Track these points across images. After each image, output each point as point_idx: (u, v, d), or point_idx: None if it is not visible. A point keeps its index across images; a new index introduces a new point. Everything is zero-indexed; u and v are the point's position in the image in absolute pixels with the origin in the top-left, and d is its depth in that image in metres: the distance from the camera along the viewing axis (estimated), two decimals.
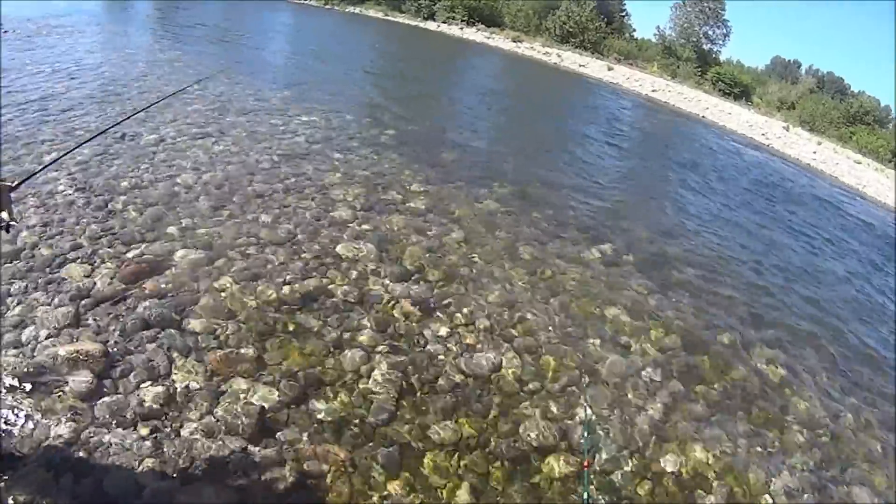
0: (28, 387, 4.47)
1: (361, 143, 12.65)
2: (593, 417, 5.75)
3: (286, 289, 6.48)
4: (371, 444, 4.85)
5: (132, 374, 4.84)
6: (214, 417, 4.66)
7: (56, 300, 5.47)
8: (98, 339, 5.11)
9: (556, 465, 5.14)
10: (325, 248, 7.52)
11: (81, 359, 4.76)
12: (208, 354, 5.26)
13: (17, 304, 5.33)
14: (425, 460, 4.86)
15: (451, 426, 5.22)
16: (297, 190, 9.11)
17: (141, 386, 4.76)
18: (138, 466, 4.08)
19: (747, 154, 28.59)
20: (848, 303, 11.47)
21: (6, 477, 3.74)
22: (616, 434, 5.71)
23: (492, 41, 48.17)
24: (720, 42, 61.67)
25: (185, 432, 4.47)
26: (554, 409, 5.80)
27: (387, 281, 7.14)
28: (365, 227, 8.34)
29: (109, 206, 7.40)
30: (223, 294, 6.15)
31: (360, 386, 5.40)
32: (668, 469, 5.52)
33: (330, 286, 6.75)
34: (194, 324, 5.61)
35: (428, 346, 6.20)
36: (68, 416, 4.31)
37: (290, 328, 5.91)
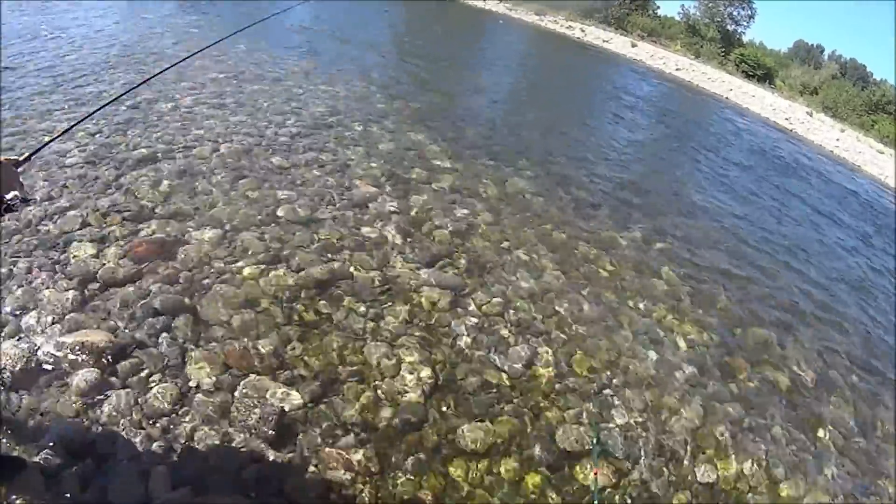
0: (29, 381, 4.09)
1: (384, 115, 12.19)
2: (599, 424, 5.42)
3: (305, 274, 6.05)
4: (397, 448, 4.50)
5: (141, 369, 4.45)
6: (230, 418, 4.28)
7: (62, 283, 5.06)
8: (105, 327, 4.72)
9: (590, 474, 4.81)
10: (347, 230, 7.09)
11: (87, 351, 4.36)
12: (224, 347, 4.86)
13: (20, 286, 4.92)
14: (454, 467, 4.53)
15: (482, 429, 4.86)
16: (318, 165, 8.65)
17: (151, 382, 4.38)
18: (147, 472, 3.69)
19: (772, 138, 28.20)
20: (883, 305, 11.10)
21: (5, 481, 3.40)
22: (651, 440, 5.41)
23: (514, 13, 47.20)
24: (745, 23, 61.12)
25: (198, 434, 4.10)
26: (590, 409, 5.48)
27: (413, 266, 6.74)
28: (389, 206, 7.91)
29: (120, 179, 6.95)
30: (240, 279, 5.72)
31: (385, 384, 5.01)
32: (704, 480, 5.27)
33: (353, 271, 6.34)
34: (209, 312, 5.20)
35: (457, 339, 5.82)
36: (72, 415, 3.94)
37: (311, 318, 5.49)
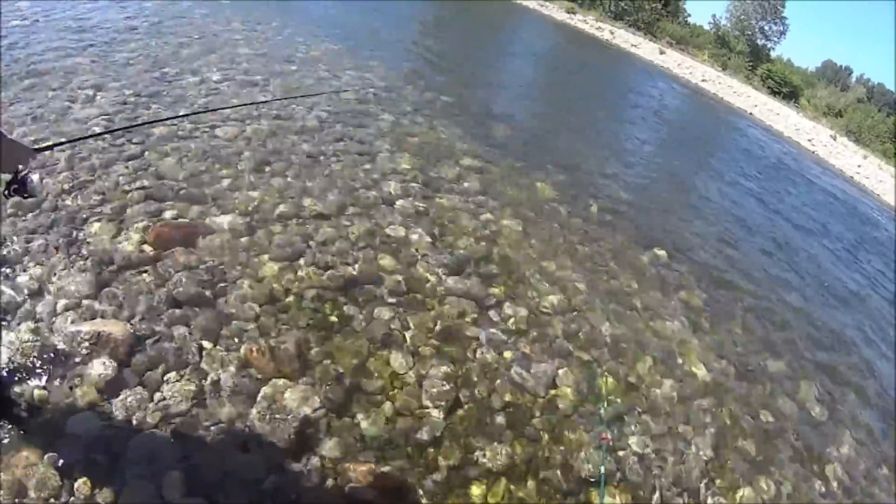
0: (42, 371, 3.89)
1: (413, 107, 11.92)
2: (608, 395, 5.68)
3: (332, 272, 5.84)
4: (417, 465, 4.31)
5: (158, 364, 4.24)
6: (248, 422, 4.08)
7: (78, 264, 4.84)
8: (122, 317, 4.49)
9: (607, 501, 4.71)
10: (374, 227, 6.86)
11: (103, 341, 4.16)
12: (244, 346, 4.64)
13: (36, 265, 4.70)
14: (475, 489, 4.34)
15: (503, 450, 4.68)
16: (346, 154, 8.42)
17: (167, 378, 4.16)
18: (161, 475, 3.50)
19: (795, 160, 27.98)
20: None
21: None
22: (668, 469, 5.31)
23: (545, 9, 46.87)
24: (775, 39, 61.00)
25: (215, 437, 3.90)
26: (612, 436, 5.30)
27: (439, 271, 6.51)
28: (417, 204, 7.67)
29: (144, 154, 6.72)
30: (263, 272, 5.50)
31: (407, 396, 4.81)
32: None
33: (378, 273, 6.11)
34: (230, 307, 4.97)
35: (480, 353, 5.61)
36: (85, 408, 3.75)
37: (334, 321, 5.27)
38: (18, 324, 4.17)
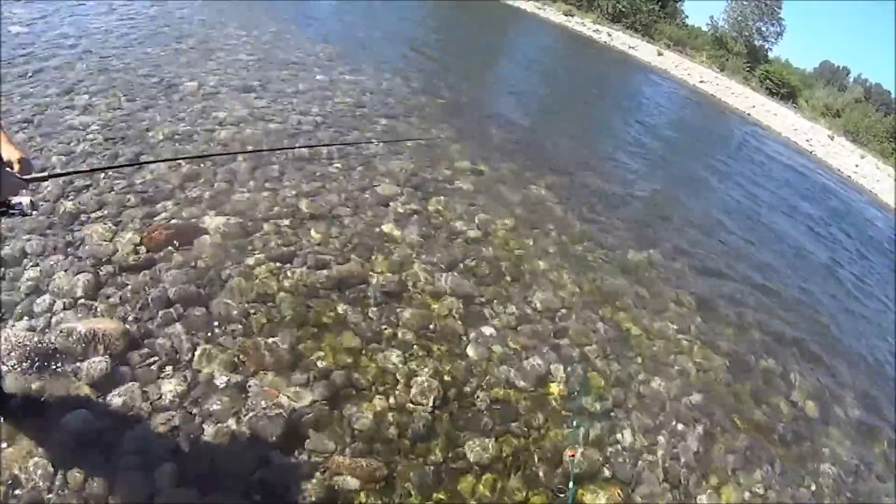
0: (39, 366, 3.99)
1: (409, 110, 12.10)
2: (580, 411, 5.57)
3: (324, 272, 5.94)
4: (405, 459, 4.39)
5: (152, 360, 4.35)
6: (239, 417, 4.18)
7: (75, 265, 4.96)
8: (117, 315, 4.61)
9: (598, 497, 4.77)
10: (367, 228, 6.97)
11: (99, 339, 4.27)
12: (237, 343, 4.75)
13: (34, 265, 4.82)
14: (462, 482, 4.43)
15: (491, 445, 4.78)
16: (341, 157, 8.53)
17: (161, 374, 4.28)
18: (154, 467, 3.60)
19: (791, 159, 28.15)
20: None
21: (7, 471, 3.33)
22: (655, 465, 5.35)
23: (542, 12, 46.96)
24: (772, 40, 60.84)
25: (207, 431, 4.00)
26: (598, 431, 5.40)
27: (430, 270, 6.61)
28: (410, 206, 7.79)
29: (140, 159, 6.86)
30: (256, 272, 5.61)
31: (398, 392, 4.90)
32: None
33: (370, 272, 6.22)
34: (223, 305, 5.08)
35: (471, 351, 5.70)
36: (80, 405, 3.83)
37: (326, 319, 5.37)
38: (16, 321, 4.28)
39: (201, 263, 5.49)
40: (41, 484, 3.32)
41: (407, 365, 5.20)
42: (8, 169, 2.66)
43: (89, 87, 8.18)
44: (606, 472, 5.03)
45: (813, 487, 6.07)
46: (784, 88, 54.31)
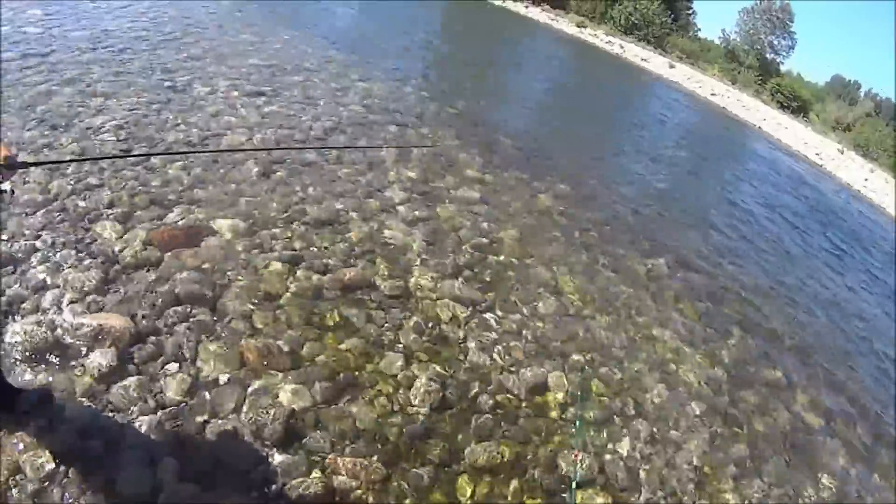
0: (45, 359, 4.07)
1: (419, 118, 12.21)
2: (584, 413, 5.59)
3: (329, 276, 6.02)
4: (404, 460, 4.44)
5: (158, 356, 4.43)
6: (241, 415, 4.24)
7: (84, 262, 5.06)
8: (124, 311, 4.70)
9: (596, 501, 4.80)
10: (372, 233, 7.05)
11: (105, 334, 4.35)
12: (241, 342, 4.82)
13: (43, 261, 4.92)
14: (459, 484, 4.46)
15: (490, 448, 4.80)
16: (349, 163, 8.61)
17: (166, 371, 4.34)
18: (156, 462, 3.66)
19: (800, 173, 27.99)
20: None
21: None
22: (654, 473, 5.33)
23: (555, 23, 47.12)
24: (784, 53, 60.88)
25: (209, 428, 4.06)
26: (598, 438, 5.41)
27: (435, 276, 6.67)
28: (417, 212, 7.86)
29: (151, 160, 6.96)
30: (263, 274, 5.70)
31: (399, 395, 4.94)
32: None
33: (375, 277, 6.29)
34: (229, 305, 5.17)
35: (473, 355, 5.74)
36: (85, 396, 3.91)
37: (330, 321, 5.44)
38: (24, 316, 4.36)
39: (209, 264, 5.58)
40: (43, 477, 3.37)
41: (409, 368, 5.25)
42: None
43: (103, 89, 8.32)
44: (605, 479, 5.03)
45: (813, 499, 6.03)
46: (795, 102, 54.27)
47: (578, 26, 48.69)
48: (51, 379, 3.95)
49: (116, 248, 5.35)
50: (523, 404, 5.45)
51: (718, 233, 12.90)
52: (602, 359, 6.53)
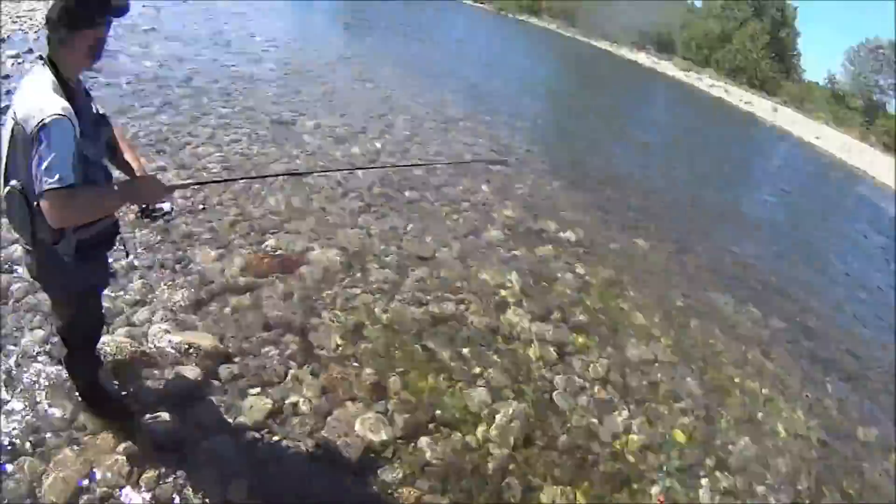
0: (132, 370, 4.15)
1: (523, 161, 12.28)
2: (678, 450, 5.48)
3: (421, 310, 5.99)
4: (478, 499, 4.28)
5: (242, 378, 4.45)
6: (318, 442, 4.18)
7: (180, 281, 5.20)
8: (215, 332, 4.78)
9: None
10: (468, 271, 7.01)
11: (193, 351, 4.43)
12: (326, 371, 4.81)
13: (140, 278, 5.08)
14: None
15: (566, 492, 4.59)
16: (450, 202, 8.72)
17: (249, 392, 4.35)
18: (228, 480, 3.64)
19: None
20: None
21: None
22: None
23: (659, 67, 46.85)
24: (891, 92, 58.24)
25: (285, 452, 4.02)
26: (677, 488, 5.11)
27: (526, 317, 6.52)
28: (514, 252, 7.82)
29: (252, 189, 7.17)
30: (354, 305, 5.72)
31: (478, 432, 4.81)
32: None
33: (466, 313, 6.21)
34: (318, 334, 5.18)
35: (557, 398, 5.56)
36: (166, 411, 3.92)
37: (417, 355, 5.38)
38: (118, 328, 4.49)
39: (302, 292, 5.63)
40: (115, 480, 3.40)
41: (491, 406, 5.12)
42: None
43: (214, 120, 8.74)
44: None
45: None
46: None
47: (683, 70, 48.27)
48: (136, 389, 4.03)
49: (212, 271, 5.48)
50: (604, 450, 5.22)
51: (822, 288, 12.18)
52: (688, 409, 6.24)
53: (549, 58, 33.00)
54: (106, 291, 4.06)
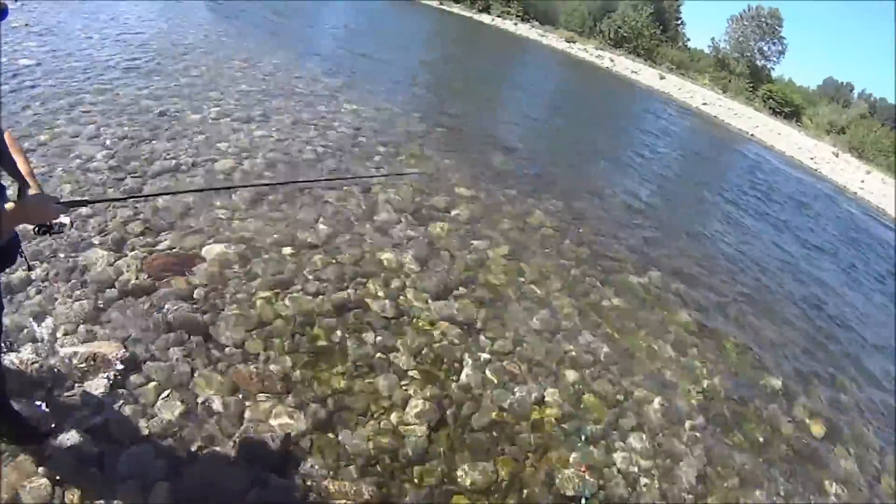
0: (40, 388, 4.11)
1: (410, 138, 12.32)
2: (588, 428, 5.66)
3: (321, 299, 6.07)
4: (400, 483, 4.45)
5: (151, 384, 4.46)
6: (235, 440, 4.26)
7: (77, 291, 5.12)
8: (118, 338, 4.75)
9: None
10: (364, 255, 7.11)
11: (99, 361, 4.40)
12: (234, 368, 4.87)
13: (38, 292, 4.98)
14: None
15: (485, 469, 4.80)
16: (339, 187, 8.70)
17: (160, 397, 4.39)
18: (150, 487, 3.69)
19: (794, 178, 28.24)
20: None
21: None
22: (654, 487, 5.31)
23: (545, 39, 47.72)
24: (774, 59, 61.34)
25: (202, 453, 4.09)
26: (594, 455, 5.37)
27: (427, 297, 6.72)
28: (409, 233, 7.94)
29: (143, 188, 7.07)
30: (254, 299, 5.76)
31: (392, 416, 4.97)
32: None
33: (367, 298, 6.34)
34: (221, 331, 5.22)
35: (467, 375, 5.76)
36: (80, 424, 3.93)
37: (323, 344, 5.49)
38: (20, 346, 4.41)
39: (201, 290, 5.64)
40: (39, 500, 3.40)
41: (402, 389, 5.28)
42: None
43: (95, 118, 8.45)
44: (605, 494, 5.03)
45: None
46: (787, 107, 54.65)
47: (568, 41, 49.18)
48: (47, 407, 3.98)
49: (109, 276, 5.41)
50: (519, 421, 5.46)
51: (713, 242, 12.98)
52: (597, 374, 6.54)
53: (431, 35, 33.04)
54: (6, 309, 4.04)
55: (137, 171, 7.43)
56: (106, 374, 4.37)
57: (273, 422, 4.52)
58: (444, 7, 53.31)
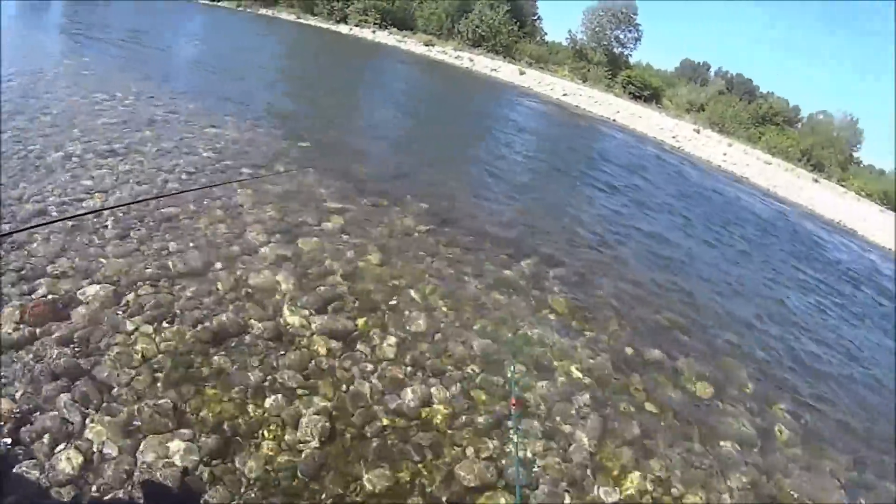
0: None
1: (274, 157, 12.46)
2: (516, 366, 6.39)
3: (201, 327, 6.22)
4: (300, 499, 4.70)
5: (45, 436, 4.55)
6: (134, 482, 4.42)
7: None
8: (6, 393, 4.81)
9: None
10: (238, 279, 7.26)
11: None
12: (123, 408, 5.00)
13: None
14: None
15: (384, 473, 5.10)
16: (208, 212, 8.81)
17: (56, 449, 4.49)
18: None
19: (656, 156, 29.89)
20: (768, 309, 12.17)
21: None
22: (551, 468, 5.69)
23: (404, 45, 48.20)
24: (631, 45, 63.76)
25: (106, 499, 4.24)
26: (489, 444, 5.74)
27: (305, 312, 6.96)
28: (280, 252, 8.11)
29: (13, 236, 6.96)
30: (134, 337, 5.86)
31: (286, 435, 5.20)
32: (607, 500, 5.55)
33: (247, 321, 6.53)
34: (105, 373, 5.31)
35: (353, 385, 6.05)
36: None
37: (207, 373, 5.67)
38: None
39: (80, 334, 5.68)
40: None
41: (291, 407, 5.50)
42: None
43: None
44: (500, 483, 5.31)
45: (715, 465, 6.41)
46: (647, 91, 57.01)
47: (426, 45, 49.83)
48: None
49: None
50: (410, 423, 5.75)
51: (583, 225, 13.74)
52: (480, 366, 6.86)
53: (289, 50, 32.87)
54: None
55: (6, 216, 7.35)
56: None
57: (170, 457, 4.69)
58: (301, 21, 53.17)
